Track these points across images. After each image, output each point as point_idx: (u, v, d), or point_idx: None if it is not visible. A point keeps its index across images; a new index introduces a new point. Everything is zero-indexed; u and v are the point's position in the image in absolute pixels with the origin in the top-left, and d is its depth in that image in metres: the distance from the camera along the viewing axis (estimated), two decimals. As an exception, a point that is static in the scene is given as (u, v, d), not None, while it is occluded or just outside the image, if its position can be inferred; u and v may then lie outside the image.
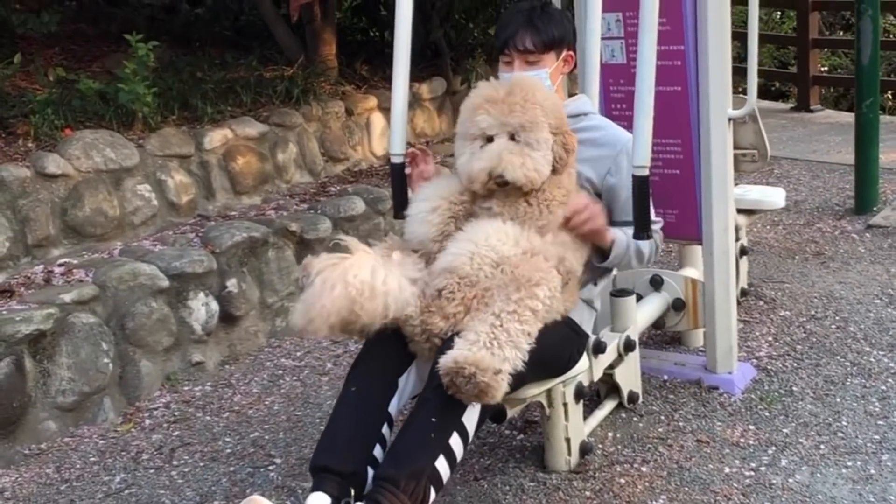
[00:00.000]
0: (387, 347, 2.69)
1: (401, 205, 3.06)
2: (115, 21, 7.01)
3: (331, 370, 4.19)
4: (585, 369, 3.14)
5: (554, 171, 2.75)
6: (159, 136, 5.11)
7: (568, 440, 3.16)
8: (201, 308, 4.25)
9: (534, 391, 2.95)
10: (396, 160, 3.14)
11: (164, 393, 4.04)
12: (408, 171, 3.12)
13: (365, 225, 5.18)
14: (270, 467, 3.37)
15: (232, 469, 3.38)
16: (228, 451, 3.53)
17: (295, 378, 4.16)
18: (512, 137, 2.73)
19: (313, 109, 6.09)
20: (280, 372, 4.23)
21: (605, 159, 2.93)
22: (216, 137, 5.34)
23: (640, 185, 2.74)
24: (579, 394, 3.15)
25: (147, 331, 4.02)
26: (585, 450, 3.22)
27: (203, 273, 4.27)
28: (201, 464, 3.44)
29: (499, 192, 2.74)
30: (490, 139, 2.74)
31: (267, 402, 3.93)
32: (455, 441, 2.55)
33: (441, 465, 2.52)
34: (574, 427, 3.16)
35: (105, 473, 3.41)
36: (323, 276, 2.57)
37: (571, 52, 3.04)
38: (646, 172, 2.73)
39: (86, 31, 7.06)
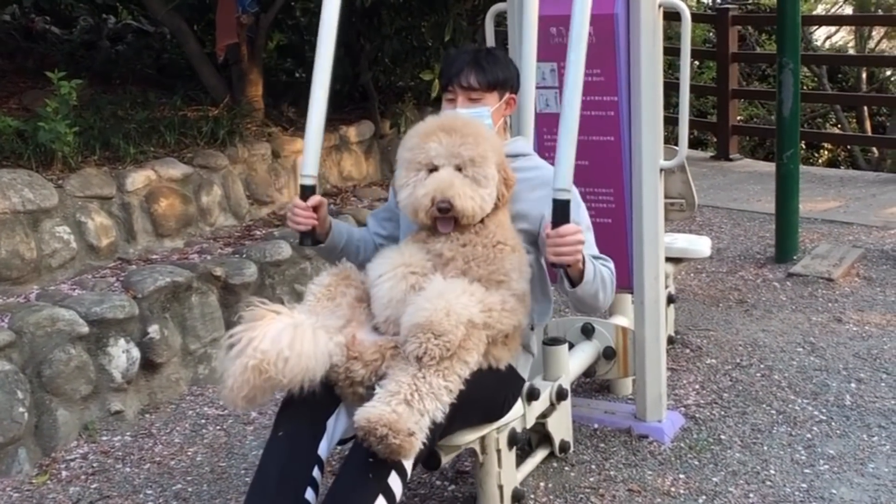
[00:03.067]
0: (313, 389, 2.62)
1: (306, 232, 2.96)
2: (32, 56, 6.86)
3: (256, 419, 4.09)
4: (519, 416, 3.12)
5: (495, 207, 2.74)
6: (80, 177, 4.97)
7: (501, 487, 3.11)
8: (122, 355, 4.11)
9: (468, 437, 2.91)
10: (307, 181, 2.95)
11: (81, 443, 3.89)
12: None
13: (291, 270, 5.10)
14: (194, 521, 3.27)
15: (153, 523, 3.27)
16: (150, 504, 3.41)
17: (218, 427, 4.04)
18: (458, 169, 2.71)
19: (239, 151, 6.00)
20: (203, 421, 4.12)
21: (544, 199, 2.93)
22: (139, 178, 5.22)
23: (562, 208, 2.66)
24: (512, 440, 3.11)
25: (64, 378, 3.87)
26: (518, 498, 3.18)
27: (124, 319, 4.14)
28: (121, 518, 3.32)
29: (447, 236, 2.71)
30: (434, 169, 2.72)
31: (189, 453, 3.81)
32: (393, 480, 2.51)
33: None
34: (507, 474, 3.12)
35: (18, 529, 3.27)
36: (230, 353, 2.56)
37: (514, 97, 3.05)
38: (567, 196, 2.65)
39: (2, 66, 6.89)
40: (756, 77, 13.72)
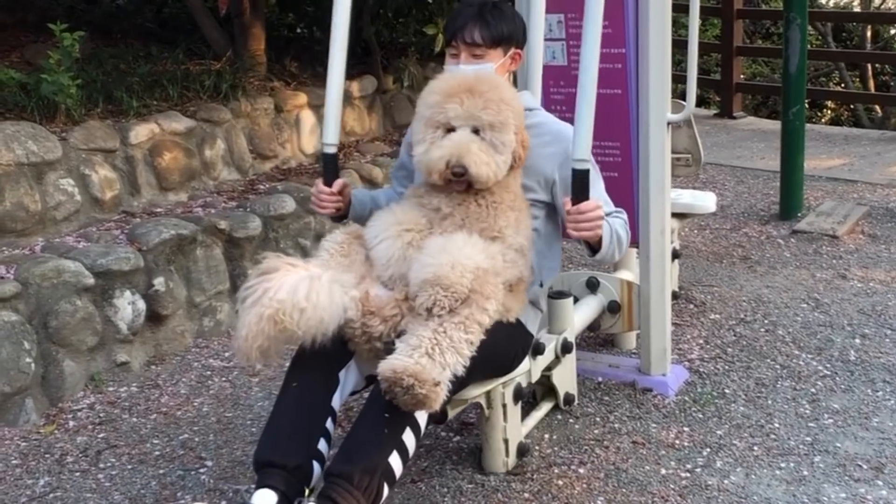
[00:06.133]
0: (326, 343, 2.63)
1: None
2: (33, 10, 6.80)
3: (261, 371, 4.10)
4: (525, 371, 3.14)
5: (510, 167, 2.74)
6: (83, 130, 4.95)
7: (506, 441, 3.14)
8: (127, 307, 4.12)
9: (475, 392, 2.94)
10: (330, 150, 3.05)
11: (88, 394, 3.91)
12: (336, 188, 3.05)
13: (295, 224, 5.09)
14: (201, 470, 3.28)
15: (161, 472, 3.28)
16: (157, 453, 3.42)
17: (224, 379, 4.06)
18: (475, 132, 2.69)
19: (242, 105, 5.97)
20: (208, 373, 4.13)
21: (554, 155, 2.92)
22: (142, 132, 5.20)
23: (581, 179, 2.66)
24: (518, 395, 3.13)
25: (71, 330, 3.88)
26: (523, 451, 3.21)
27: (129, 271, 4.14)
28: (129, 466, 3.33)
29: (447, 191, 2.71)
30: (451, 130, 2.70)
31: (195, 404, 3.83)
32: (408, 436, 2.53)
33: (394, 460, 2.50)
34: (512, 428, 3.15)
35: (28, 476, 3.29)
36: (245, 303, 2.56)
37: (519, 51, 3.02)
38: (587, 166, 2.65)
39: (3, 20, 6.82)
40: (760, 35, 13.62)
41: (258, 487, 2.45)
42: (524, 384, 3.18)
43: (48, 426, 3.65)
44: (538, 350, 3.20)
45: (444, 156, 2.66)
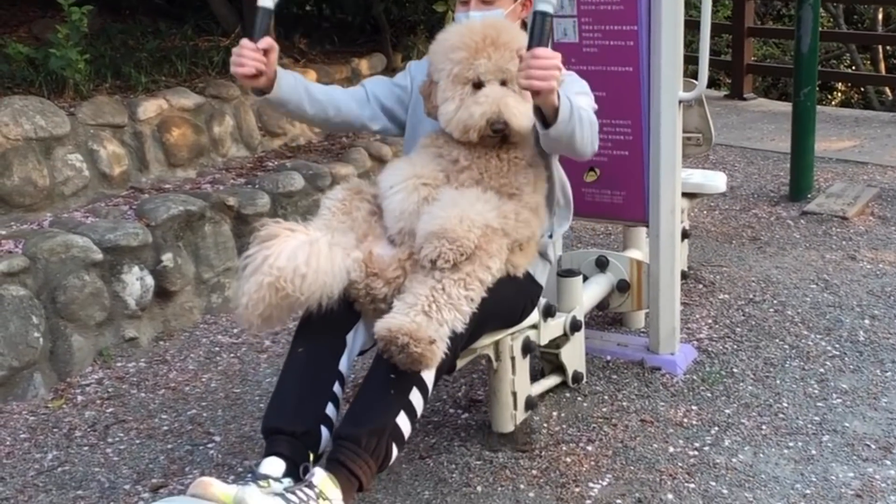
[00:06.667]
0: (332, 306, 2.61)
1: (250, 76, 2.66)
2: (42, -15, 6.77)
3: (269, 347, 4.11)
4: (534, 323, 3.14)
5: None
6: (92, 105, 4.94)
7: (514, 394, 3.13)
8: (135, 282, 4.12)
9: (483, 342, 2.92)
10: (265, 3, 2.64)
11: (96, 369, 3.91)
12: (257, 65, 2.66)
13: (304, 201, 5.08)
14: (210, 445, 3.29)
15: (170, 447, 3.29)
16: (165, 428, 3.43)
17: (232, 355, 4.06)
18: (502, 84, 2.67)
19: (251, 82, 5.95)
20: (217, 349, 4.14)
21: None
22: (150, 108, 5.19)
23: (541, 23, 2.40)
24: (526, 348, 3.13)
25: (79, 305, 3.89)
26: (531, 405, 3.20)
27: (138, 246, 4.14)
28: (137, 441, 3.34)
29: (468, 144, 2.68)
30: (479, 85, 2.67)
31: (204, 380, 3.83)
32: (415, 396, 2.52)
33: (402, 421, 2.49)
34: (521, 381, 3.14)
35: (36, 451, 3.30)
36: (245, 271, 2.54)
37: None
38: (549, 8, 2.40)
39: (12, -6, 6.81)
40: (771, 17, 13.54)
41: (266, 455, 2.45)
42: (533, 338, 3.16)
43: (56, 401, 3.66)
44: (549, 312, 3.19)
45: (486, 112, 2.62)
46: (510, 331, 3.01)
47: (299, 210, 5.02)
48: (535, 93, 2.42)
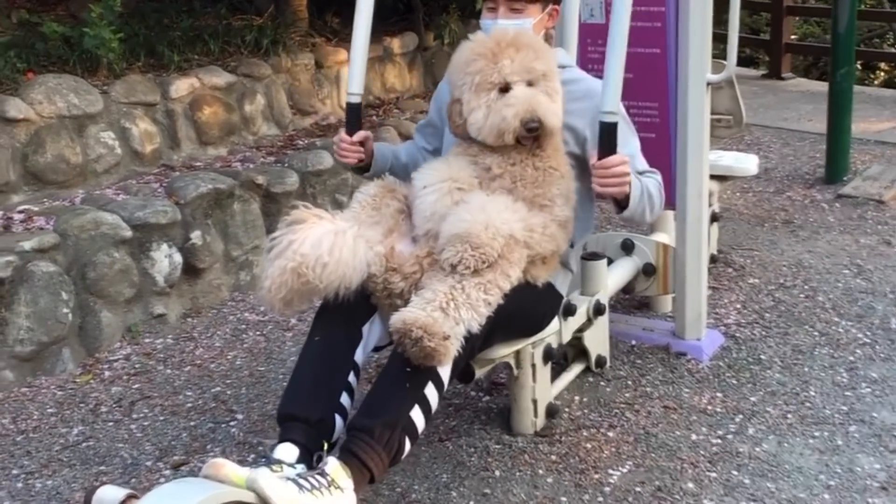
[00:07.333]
0: (349, 297, 2.62)
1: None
2: (79, -37, 6.81)
3: (295, 326, 4.13)
4: (555, 331, 3.12)
5: None
6: (124, 83, 4.98)
7: (535, 402, 3.13)
8: (164, 259, 4.16)
9: (503, 351, 2.92)
10: (353, 99, 3.04)
11: (124, 345, 3.96)
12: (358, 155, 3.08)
13: (333, 180, 5.09)
14: (232, 423, 3.32)
15: (192, 423, 3.32)
16: (189, 405, 3.46)
17: (258, 333, 4.09)
18: (529, 85, 2.65)
19: (282, 61, 5.97)
20: (243, 326, 4.17)
21: (586, 110, 2.86)
22: (182, 86, 5.22)
23: (608, 132, 2.59)
24: (548, 355, 3.12)
25: (108, 281, 3.93)
26: (552, 412, 3.20)
27: (167, 224, 4.17)
28: (161, 417, 3.38)
29: (501, 151, 2.67)
30: (505, 88, 2.65)
31: (229, 357, 3.86)
32: (430, 391, 2.51)
33: (416, 414, 2.49)
34: (541, 389, 3.13)
35: (62, 425, 3.34)
36: (271, 254, 2.56)
37: (557, 7, 2.97)
38: (615, 119, 2.58)
39: (49, -28, 6.86)
40: (813, -6, 13.30)
41: (280, 441, 2.47)
42: (554, 345, 3.16)
43: (84, 376, 3.71)
44: (569, 311, 3.18)
45: (519, 113, 2.60)
46: (530, 340, 2.99)
47: (328, 189, 5.04)
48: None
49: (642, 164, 2.91)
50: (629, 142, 2.87)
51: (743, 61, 11.50)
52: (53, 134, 4.49)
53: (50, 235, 3.81)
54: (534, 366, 3.08)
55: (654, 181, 2.86)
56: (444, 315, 2.43)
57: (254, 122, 5.63)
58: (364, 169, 3.13)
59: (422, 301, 2.46)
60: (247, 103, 5.58)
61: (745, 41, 11.29)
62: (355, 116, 3.05)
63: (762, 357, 3.66)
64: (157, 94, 5.09)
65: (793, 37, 11.07)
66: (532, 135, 2.64)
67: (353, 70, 3.02)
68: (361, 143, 3.05)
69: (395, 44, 6.92)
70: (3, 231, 3.92)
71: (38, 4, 6.15)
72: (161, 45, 5.46)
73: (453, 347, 2.44)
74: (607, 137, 2.60)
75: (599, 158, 2.61)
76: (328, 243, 2.51)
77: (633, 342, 3.78)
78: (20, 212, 4.09)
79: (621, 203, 2.75)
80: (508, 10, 2.87)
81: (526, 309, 2.78)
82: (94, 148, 4.68)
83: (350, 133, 3.04)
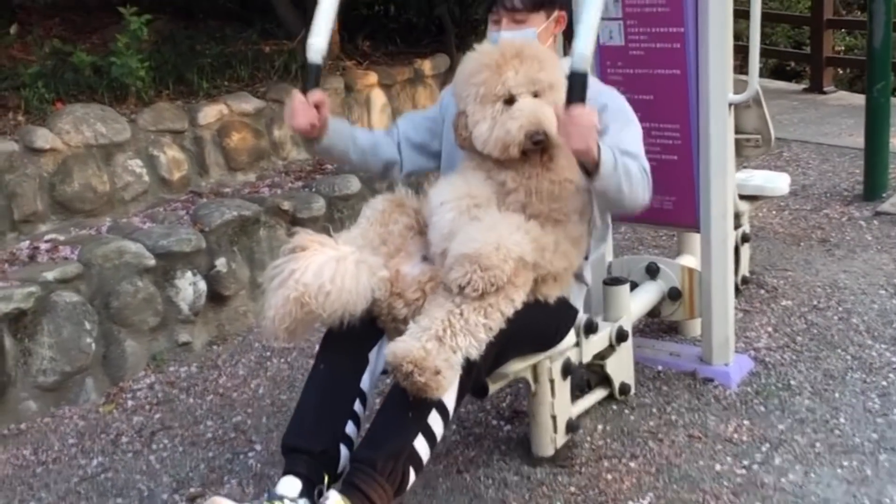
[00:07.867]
0: (355, 323, 2.58)
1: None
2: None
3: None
4: (574, 346, 3.06)
5: None
6: (152, 111, 5.01)
7: (554, 417, 3.05)
8: (188, 287, 4.16)
9: (518, 366, 2.86)
10: (315, 58, 2.73)
11: (148, 373, 3.96)
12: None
13: (360, 204, 4.99)
14: (250, 454, 3.30)
15: (211, 455, 3.31)
16: (209, 435, 3.45)
17: (283, 360, 4.07)
18: (534, 96, 2.61)
19: (312, 85, 5.97)
20: (268, 353, 4.15)
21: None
22: (211, 113, 5.24)
23: (578, 82, 2.43)
24: (566, 370, 3.05)
25: (132, 310, 3.94)
26: (572, 428, 3.13)
27: (191, 252, 4.18)
28: (180, 448, 3.37)
29: (516, 166, 2.62)
30: (510, 100, 2.60)
31: (252, 385, 3.85)
32: (434, 419, 2.48)
33: (420, 444, 2.45)
34: (560, 404, 3.06)
35: (82, 456, 3.35)
36: (272, 283, 2.53)
37: (563, 13, 2.90)
38: (585, 69, 2.43)
39: (87, 1, 6.95)
40: (857, 6, 13.10)
41: (284, 473, 2.45)
42: (574, 360, 3.09)
43: (107, 405, 3.72)
44: (591, 328, 3.11)
45: (524, 125, 2.55)
46: (546, 353, 2.93)
47: (355, 213, 4.94)
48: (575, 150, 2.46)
49: (634, 148, 2.73)
50: (622, 133, 2.73)
51: (786, 75, 11.35)
52: (81, 163, 4.52)
53: (73, 265, 3.84)
54: (552, 381, 3.01)
55: (637, 164, 2.67)
56: (440, 345, 2.38)
57: (283, 147, 5.64)
58: (314, 139, 2.84)
59: (418, 329, 2.42)
60: (275, 128, 5.59)
61: (788, 55, 11.16)
62: (315, 76, 2.77)
63: (792, 382, 3.57)
64: (185, 121, 5.12)
65: (838, 49, 10.89)
66: (538, 146, 2.60)
67: (318, 23, 2.75)
68: (317, 108, 2.74)
69: (427, 65, 6.90)
70: (29, 261, 3.96)
71: (74, 33, 6.23)
72: (190, 72, 5.50)
73: (445, 381, 2.39)
74: (577, 88, 2.44)
75: (567, 109, 2.45)
76: (330, 271, 2.48)
77: (660, 368, 3.70)
78: (47, 241, 4.13)
79: (589, 170, 2.54)
80: (511, 22, 2.82)
81: (537, 325, 2.72)
82: (122, 176, 4.71)
83: (305, 93, 2.74)
